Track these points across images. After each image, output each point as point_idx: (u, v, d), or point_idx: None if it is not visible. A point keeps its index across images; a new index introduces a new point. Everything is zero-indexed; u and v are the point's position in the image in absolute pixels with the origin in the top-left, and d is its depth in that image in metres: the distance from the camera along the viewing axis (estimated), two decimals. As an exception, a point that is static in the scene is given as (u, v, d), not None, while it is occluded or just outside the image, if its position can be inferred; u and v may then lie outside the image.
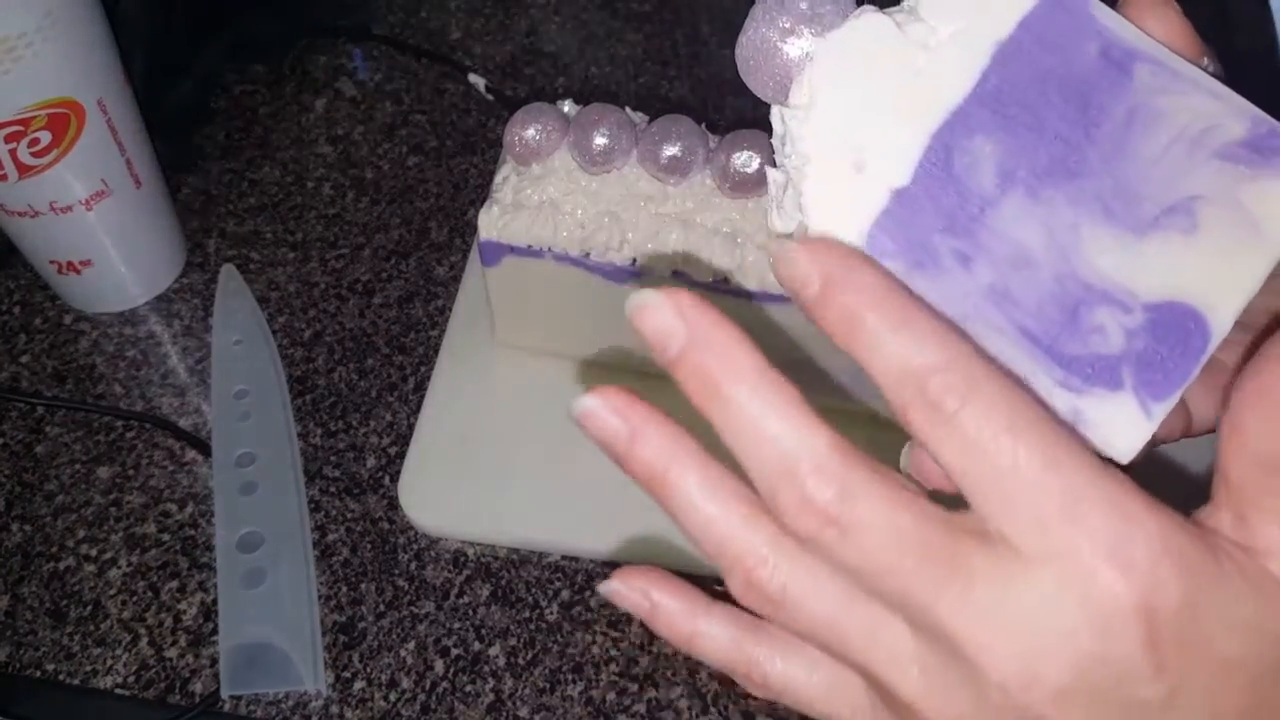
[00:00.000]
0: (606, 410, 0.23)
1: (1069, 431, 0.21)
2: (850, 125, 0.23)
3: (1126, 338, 0.23)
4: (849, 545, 0.21)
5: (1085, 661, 0.20)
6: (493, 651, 0.45)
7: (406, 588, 0.47)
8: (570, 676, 0.45)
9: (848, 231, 0.22)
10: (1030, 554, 0.21)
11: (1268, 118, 0.23)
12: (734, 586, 0.23)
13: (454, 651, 0.45)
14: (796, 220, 0.23)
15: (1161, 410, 0.22)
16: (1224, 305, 0.23)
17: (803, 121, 0.23)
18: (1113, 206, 0.23)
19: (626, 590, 0.26)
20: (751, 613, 0.24)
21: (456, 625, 0.46)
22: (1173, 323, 0.23)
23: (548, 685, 0.44)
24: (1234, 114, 0.23)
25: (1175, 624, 0.20)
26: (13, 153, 0.47)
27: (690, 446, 0.23)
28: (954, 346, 0.21)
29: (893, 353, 0.21)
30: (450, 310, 0.55)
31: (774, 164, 0.24)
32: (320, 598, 0.47)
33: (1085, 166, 0.23)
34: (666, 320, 0.22)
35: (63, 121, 0.48)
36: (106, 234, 0.53)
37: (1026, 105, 0.23)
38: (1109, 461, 0.22)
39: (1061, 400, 0.22)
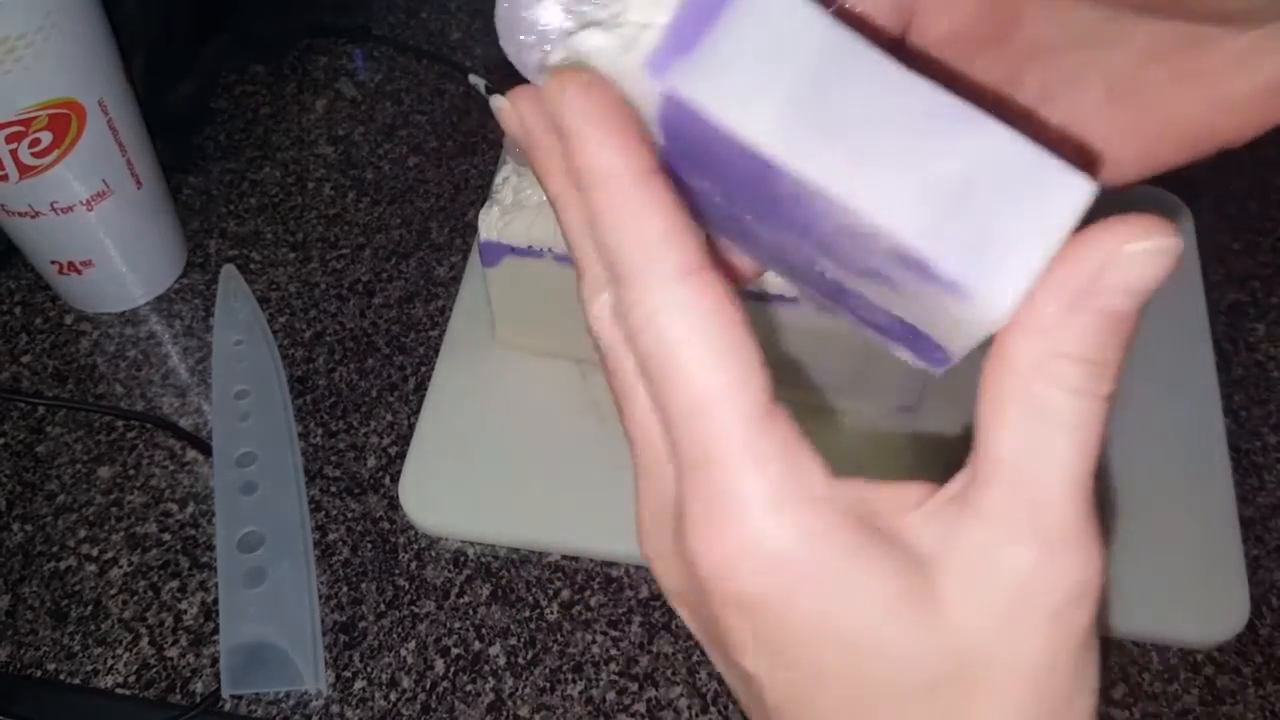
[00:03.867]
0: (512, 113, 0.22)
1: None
2: None
3: None
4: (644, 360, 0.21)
5: (766, 587, 0.20)
6: (493, 651, 0.45)
7: (407, 587, 0.47)
8: (570, 676, 0.45)
9: None
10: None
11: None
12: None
13: (454, 651, 0.45)
14: None
15: None
16: None
17: None
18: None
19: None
20: None
21: (457, 625, 0.46)
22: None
23: (548, 685, 0.44)
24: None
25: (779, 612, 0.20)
26: (14, 153, 0.47)
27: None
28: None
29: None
30: (450, 310, 0.55)
31: None
32: (321, 597, 0.47)
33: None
34: (530, 115, 0.21)
35: (64, 122, 0.48)
36: (107, 234, 0.53)
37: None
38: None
39: None
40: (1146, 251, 0.18)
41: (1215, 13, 0.21)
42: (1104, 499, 0.47)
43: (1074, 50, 0.24)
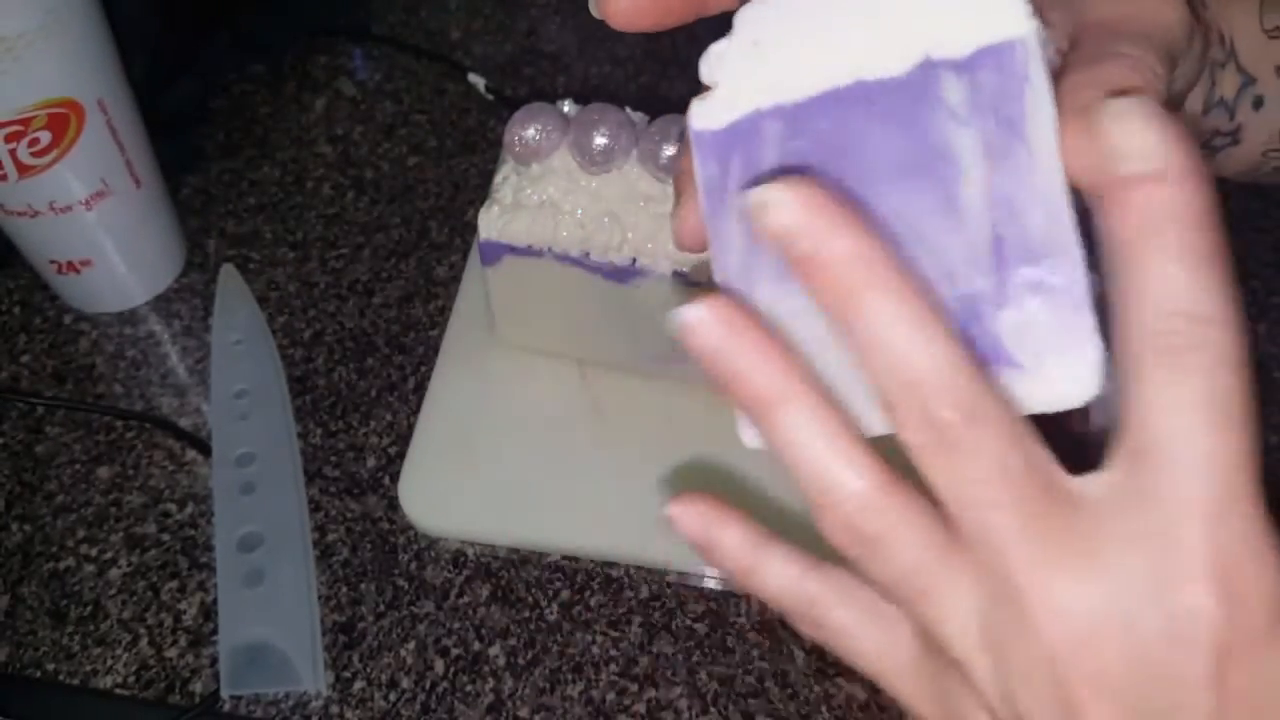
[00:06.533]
0: (712, 326, 0.22)
1: None
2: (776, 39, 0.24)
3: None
4: (954, 467, 0.20)
5: (1139, 663, 0.20)
6: (493, 651, 0.45)
7: (406, 588, 0.47)
8: (570, 676, 0.45)
9: (738, 100, 0.24)
10: (1127, 535, 0.20)
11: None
12: (826, 524, 0.22)
13: (454, 651, 0.45)
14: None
15: None
16: None
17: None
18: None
19: (686, 517, 0.25)
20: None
21: (456, 625, 0.46)
22: None
23: (548, 685, 0.44)
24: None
25: (1247, 675, 0.19)
26: (12, 153, 0.47)
27: (803, 375, 0.22)
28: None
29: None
30: (450, 310, 0.54)
31: None
32: (320, 598, 0.47)
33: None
34: (793, 217, 0.20)
35: (63, 121, 0.48)
36: (106, 234, 0.53)
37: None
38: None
39: None
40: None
41: None
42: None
43: None
